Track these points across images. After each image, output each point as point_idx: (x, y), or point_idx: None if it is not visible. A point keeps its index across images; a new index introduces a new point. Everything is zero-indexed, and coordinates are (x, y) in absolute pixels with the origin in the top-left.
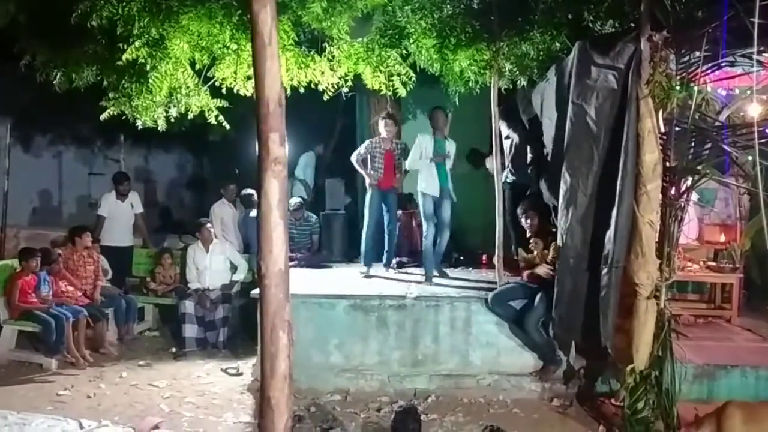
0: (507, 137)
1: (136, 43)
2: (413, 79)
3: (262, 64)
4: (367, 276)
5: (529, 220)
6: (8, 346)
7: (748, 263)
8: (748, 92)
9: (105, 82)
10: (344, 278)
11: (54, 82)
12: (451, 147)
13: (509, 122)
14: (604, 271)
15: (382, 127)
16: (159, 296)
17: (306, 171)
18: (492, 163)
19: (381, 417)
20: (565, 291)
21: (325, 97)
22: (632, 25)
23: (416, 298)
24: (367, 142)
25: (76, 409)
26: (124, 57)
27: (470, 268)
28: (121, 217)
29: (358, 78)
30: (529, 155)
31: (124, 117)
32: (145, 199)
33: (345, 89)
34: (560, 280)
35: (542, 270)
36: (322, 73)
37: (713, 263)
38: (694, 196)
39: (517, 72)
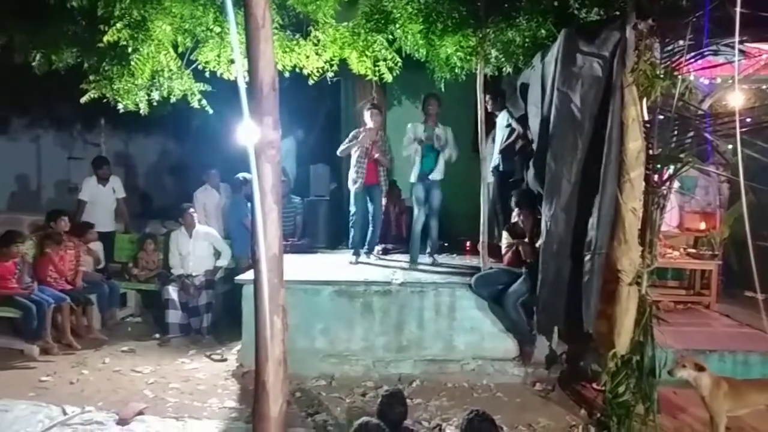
0: (508, 125)
1: (118, 25)
2: (399, 64)
3: (256, 46)
4: (356, 263)
5: (521, 211)
6: None
7: (726, 250)
8: (730, 81)
9: (85, 65)
10: (329, 264)
11: (33, 64)
12: (443, 133)
13: (517, 112)
14: (587, 257)
15: (368, 118)
16: (141, 282)
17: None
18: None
19: (366, 402)
20: (548, 277)
21: (310, 82)
22: (617, 13)
23: (401, 284)
24: (353, 132)
25: (58, 396)
26: (105, 39)
27: (454, 255)
28: (102, 201)
29: (343, 63)
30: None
31: (104, 100)
32: (127, 183)
33: (330, 74)
34: (544, 265)
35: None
36: (307, 57)
37: (693, 250)
38: (676, 184)
39: (503, 59)
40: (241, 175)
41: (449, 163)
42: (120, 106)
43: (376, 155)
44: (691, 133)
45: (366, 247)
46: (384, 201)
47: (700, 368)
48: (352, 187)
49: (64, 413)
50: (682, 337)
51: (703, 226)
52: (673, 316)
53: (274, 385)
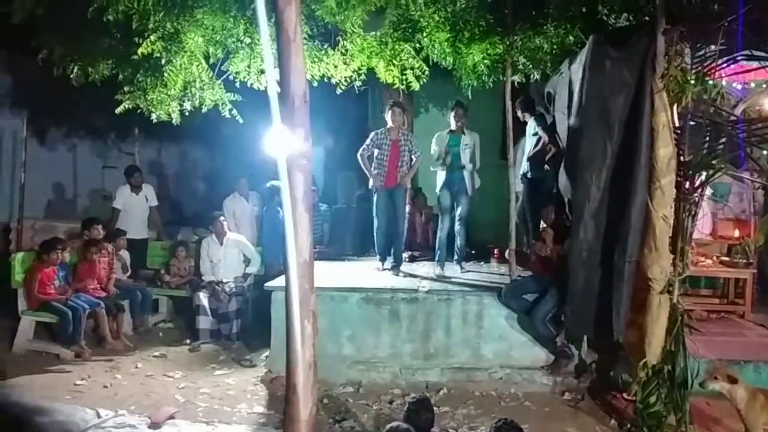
0: (535, 134)
1: (152, 37)
2: (426, 72)
3: (287, 59)
4: (382, 270)
5: (551, 215)
6: (27, 336)
7: (761, 258)
8: (764, 86)
9: (120, 76)
10: (356, 271)
11: (71, 76)
12: (468, 140)
13: (544, 121)
14: (617, 265)
15: (389, 116)
16: (173, 288)
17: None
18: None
19: (393, 409)
20: (577, 285)
21: (338, 91)
22: (647, 18)
23: (428, 291)
24: (372, 133)
25: (93, 399)
26: (139, 51)
27: (482, 262)
28: (135, 209)
29: (371, 71)
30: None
31: (138, 110)
32: (159, 192)
33: (358, 83)
34: (572, 274)
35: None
36: (336, 66)
37: (726, 258)
38: (708, 191)
39: (531, 66)
40: (269, 184)
41: (471, 171)
42: (153, 116)
43: (399, 169)
44: (724, 139)
45: (393, 260)
46: (409, 208)
47: (733, 380)
48: (373, 189)
49: (98, 416)
50: (716, 347)
51: (737, 233)
52: (706, 326)
53: (305, 389)
